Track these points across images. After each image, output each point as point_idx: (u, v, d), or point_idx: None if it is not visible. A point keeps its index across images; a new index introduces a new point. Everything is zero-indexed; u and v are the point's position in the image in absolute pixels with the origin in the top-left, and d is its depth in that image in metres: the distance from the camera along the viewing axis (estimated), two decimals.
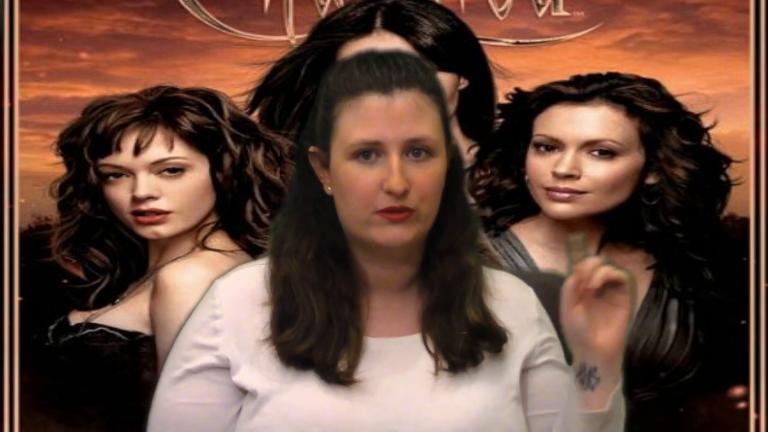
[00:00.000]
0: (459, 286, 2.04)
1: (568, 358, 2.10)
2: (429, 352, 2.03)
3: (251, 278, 2.07)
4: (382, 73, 1.97)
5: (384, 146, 1.95)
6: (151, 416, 2.09)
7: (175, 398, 2.05)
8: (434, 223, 2.02)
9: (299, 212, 2.04)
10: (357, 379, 1.99)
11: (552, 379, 2.11)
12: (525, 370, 2.09)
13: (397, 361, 2.02)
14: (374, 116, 1.96)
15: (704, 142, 2.71)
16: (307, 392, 1.99)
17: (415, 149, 1.97)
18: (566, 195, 2.64)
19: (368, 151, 1.96)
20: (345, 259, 2.03)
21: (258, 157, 2.60)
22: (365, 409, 1.99)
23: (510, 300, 2.10)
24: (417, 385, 2.02)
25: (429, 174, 1.97)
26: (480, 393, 2.02)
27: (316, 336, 1.99)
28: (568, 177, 2.63)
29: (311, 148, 2.03)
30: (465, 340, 2.02)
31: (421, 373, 2.02)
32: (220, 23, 3.27)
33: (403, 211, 1.96)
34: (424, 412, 2.00)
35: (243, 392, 2.03)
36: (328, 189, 2.01)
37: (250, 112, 2.89)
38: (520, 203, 2.75)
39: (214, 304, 2.05)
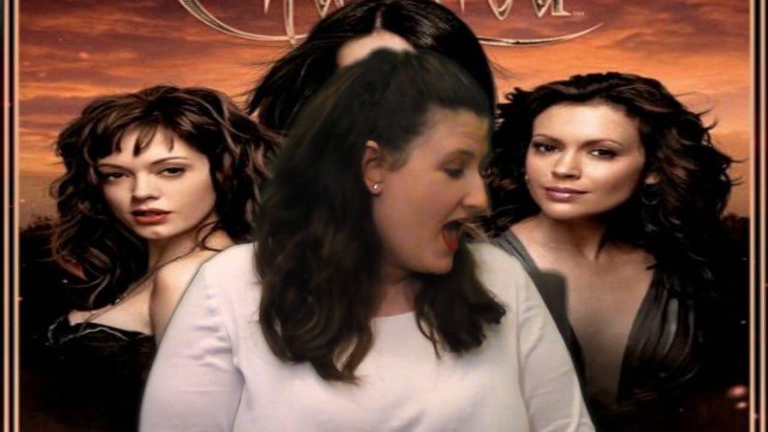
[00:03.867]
0: (454, 270, 2.03)
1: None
2: (423, 333, 2.02)
3: (241, 258, 2.05)
4: (472, 91, 2.00)
5: (471, 160, 1.99)
6: (148, 406, 2.06)
7: (178, 386, 2.03)
8: None
9: (342, 210, 1.97)
10: (355, 377, 1.98)
11: (548, 352, 2.11)
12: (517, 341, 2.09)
13: (395, 340, 2.02)
14: (470, 131, 1.98)
15: (704, 142, 2.71)
16: (308, 378, 1.98)
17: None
18: (566, 195, 2.64)
19: (455, 169, 1.98)
20: (374, 263, 2.01)
21: (258, 157, 2.60)
22: (367, 391, 1.98)
23: (497, 270, 2.10)
24: (417, 365, 2.01)
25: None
26: (479, 370, 2.02)
27: (330, 339, 1.97)
28: (568, 177, 2.63)
29: (370, 143, 1.96)
30: (466, 319, 2.02)
31: (419, 351, 2.02)
32: (220, 23, 3.27)
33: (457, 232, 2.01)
34: (424, 393, 1.99)
35: (243, 377, 2.01)
36: (375, 187, 1.97)
37: (250, 112, 2.89)
38: (520, 203, 2.75)
39: (206, 284, 2.03)
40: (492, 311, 2.04)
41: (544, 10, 3.26)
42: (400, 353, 2.01)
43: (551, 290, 2.37)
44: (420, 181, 1.97)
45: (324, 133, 1.98)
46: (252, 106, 2.91)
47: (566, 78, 2.71)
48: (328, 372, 1.97)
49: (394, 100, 1.97)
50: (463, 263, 2.05)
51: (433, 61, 2.00)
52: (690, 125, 2.69)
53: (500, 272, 2.10)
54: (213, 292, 2.02)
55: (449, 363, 2.02)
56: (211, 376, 2.02)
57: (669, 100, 2.69)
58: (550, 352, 2.12)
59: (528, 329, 2.10)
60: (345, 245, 1.97)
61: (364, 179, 1.97)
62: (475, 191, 1.99)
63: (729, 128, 2.81)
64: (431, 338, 2.02)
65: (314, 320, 1.98)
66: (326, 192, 1.97)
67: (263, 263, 2.02)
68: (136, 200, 2.55)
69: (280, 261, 2.00)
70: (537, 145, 2.68)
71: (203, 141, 2.58)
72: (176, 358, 2.03)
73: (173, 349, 2.04)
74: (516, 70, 2.98)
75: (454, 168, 1.97)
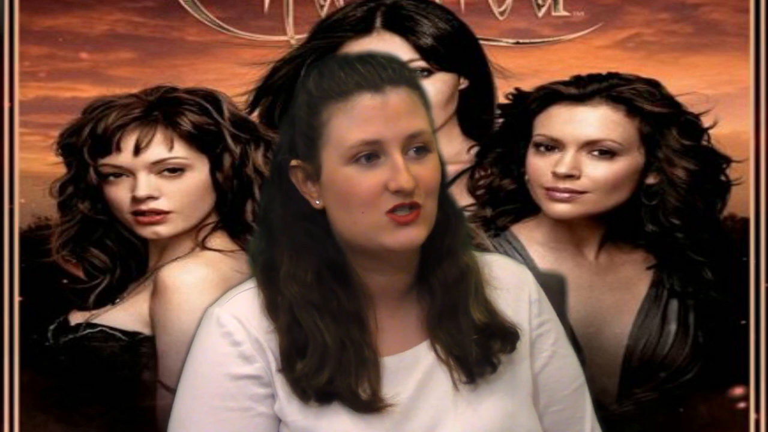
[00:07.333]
0: (460, 288, 2.00)
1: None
2: (441, 359, 1.99)
3: (250, 303, 1.98)
4: (369, 71, 1.91)
5: (384, 145, 1.90)
6: None
7: None
8: None
9: (289, 233, 1.96)
10: (387, 404, 1.93)
11: (560, 369, 2.09)
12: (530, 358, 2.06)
13: (416, 376, 1.98)
14: (370, 115, 1.90)
15: (704, 142, 2.71)
16: (338, 427, 1.93)
17: (414, 146, 1.92)
18: (566, 195, 2.64)
19: (369, 154, 1.90)
20: (344, 274, 1.96)
21: (258, 157, 2.60)
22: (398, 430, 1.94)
23: (509, 285, 2.07)
24: (440, 400, 1.98)
25: (431, 169, 1.93)
26: (501, 398, 2.00)
27: (333, 364, 1.92)
28: (568, 177, 2.63)
29: (293, 162, 1.95)
30: (478, 346, 1.97)
31: (440, 383, 1.99)
32: (220, 23, 3.26)
33: (412, 209, 1.90)
34: (449, 427, 1.96)
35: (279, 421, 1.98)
36: (317, 203, 1.94)
37: (250, 112, 2.89)
38: (520, 203, 2.75)
39: (228, 332, 1.96)
40: (505, 338, 2.00)
41: (544, 10, 3.25)
42: (424, 386, 1.98)
43: (551, 290, 2.37)
44: (335, 182, 1.91)
45: (271, 166, 2.01)
46: (252, 106, 2.91)
47: (566, 78, 2.71)
48: (355, 404, 1.92)
49: (298, 114, 1.95)
50: (470, 281, 2.00)
51: (330, 62, 1.95)
52: (690, 125, 2.69)
53: (513, 288, 2.06)
54: (241, 339, 1.95)
55: (471, 395, 1.98)
56: (265, 425, 1.96)
57: (669, 100, 2.69)
58: (562, 368, 2.10)
59: (540, 345, 2.07)
60: (298, 264, 1.94)
61: (305, 199, 1.95)
62: (395, 175, 1.89)
63: (729, 128, 2.81)
64: (447, 364, 1.98)
65: (310, 349, 1.93)
66: (273, 219, 1.97)
67: (270, 310, 1.98)
68: (136, 200, 2.55)
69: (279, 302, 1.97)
70: (537, 145, 2.68)
71: (203, 141, 2.58)
72: (221, 412, 1.95)
73: (213, 403, 1.95)
74: (516, 70, 2.98)
75: (365, 158, 1.90)
